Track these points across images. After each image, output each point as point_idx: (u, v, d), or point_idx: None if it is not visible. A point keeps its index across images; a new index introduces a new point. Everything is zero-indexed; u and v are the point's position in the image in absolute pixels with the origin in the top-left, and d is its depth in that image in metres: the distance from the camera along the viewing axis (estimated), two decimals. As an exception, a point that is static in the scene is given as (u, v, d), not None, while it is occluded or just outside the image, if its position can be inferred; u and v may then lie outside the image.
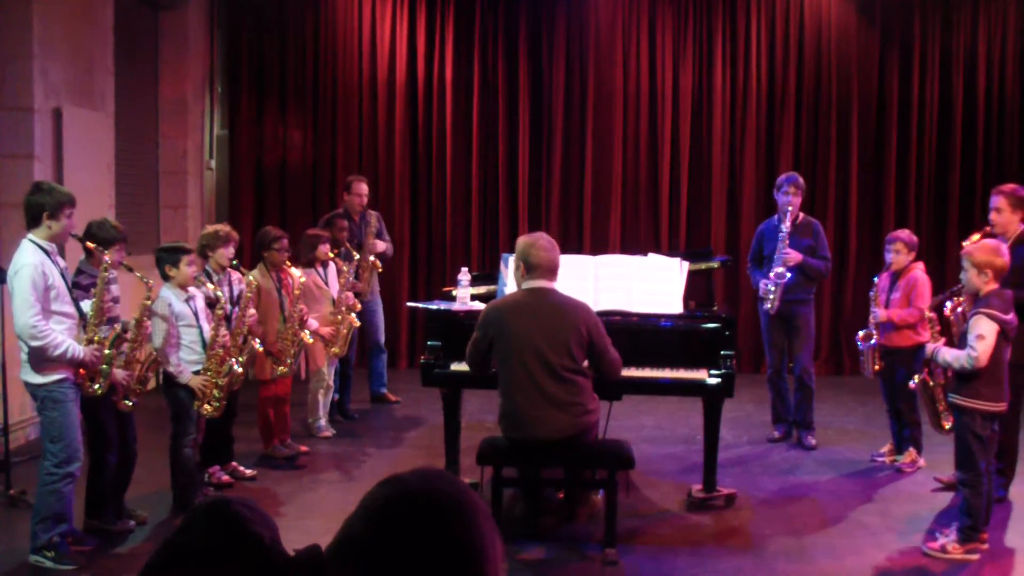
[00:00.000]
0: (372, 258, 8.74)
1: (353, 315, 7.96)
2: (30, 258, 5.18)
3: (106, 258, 5.53)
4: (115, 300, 5.75)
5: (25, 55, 7.76)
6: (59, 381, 5.25)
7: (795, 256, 7.62)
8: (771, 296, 7.71)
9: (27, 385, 5.32)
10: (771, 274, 7.67)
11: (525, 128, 11.23)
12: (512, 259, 5.58)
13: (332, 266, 8.01)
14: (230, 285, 6.76)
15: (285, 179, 11.35)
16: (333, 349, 7.86)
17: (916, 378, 5.92)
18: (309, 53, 11.27)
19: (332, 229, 8.33)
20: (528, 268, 5.41)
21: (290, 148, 11.33)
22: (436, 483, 1.63)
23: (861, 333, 7.15)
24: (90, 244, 5.60)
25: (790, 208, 7.72)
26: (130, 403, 5.70)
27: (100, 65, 8.84)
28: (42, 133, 7.89)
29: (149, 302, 5.71)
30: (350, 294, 8.01)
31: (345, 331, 7.89)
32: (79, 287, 5.54)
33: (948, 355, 5.56)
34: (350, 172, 10.40)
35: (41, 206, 5.28)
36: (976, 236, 6.36)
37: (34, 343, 5.13)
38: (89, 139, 8.55)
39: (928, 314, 6.17)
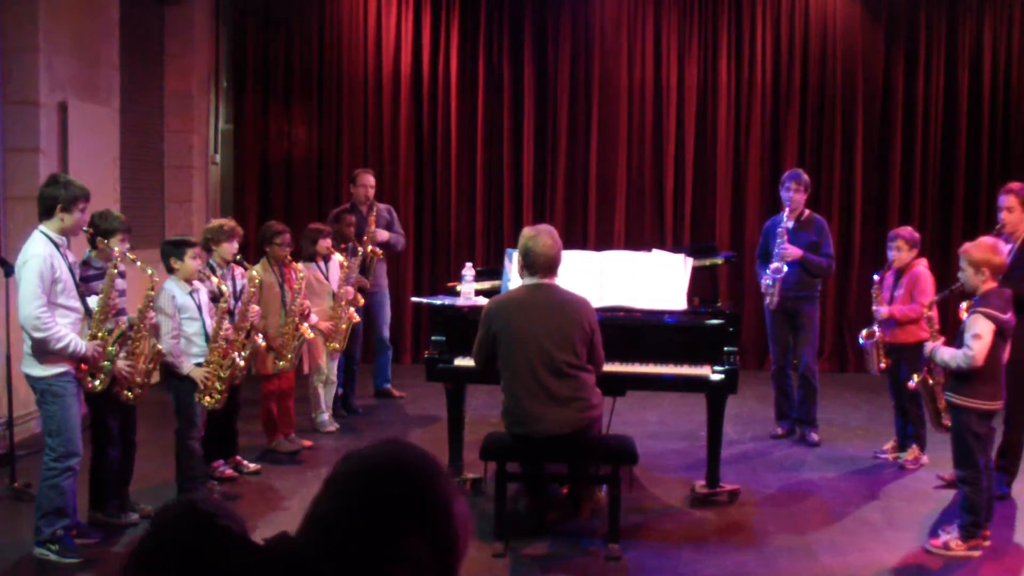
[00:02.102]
0: (371, 247, 8.68)
1: (353, 310, 7.96)
2: (40, 249, 5.20)
3: (115, 253, 5.55)
4: (121, 293, 5.77)
5: (31, 49, 7.77)
6: (59, 375, 5.26)
7: (793, 251, 7.64)
8: (770, 291, 7.74)
9: (28, 378, 5.33)
10: (769, 268, 7.70)
11: (530, 123, 11.23)
12: (518, 248, 5.56)
13: (334, 261, 8.01)
14: (233, 280, 6.77)
15: (290, 174, 11.35)
16: (332, 344, 7.86)
17: (915, 377, 5.91)
18: (314, 48, 11.27)
19: (340, 224, 8.34)
20: (528, 266, 5.42)
21: (295, 143, 11.34)
22: (394, 451, 1.65)
23: (864, 331, 7.16)
24: (101, 241, 5.62)
25: (791, 204, 7.75)
26: (132, 395, 5.70)
27: (106, 59, 8.84)
28: (48, 127, 7.90)
29: (152, 292, 5.72)
30: (350, 288, 8.01)
31: (344, 326, 7.88)
32: (83, 279, 5.55)
33: (945, 354, 5.56)
34: (355, 167, 10.39)
35: (55, 199, 5.30)
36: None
37: (37, 335, 5.14)
38: (94, 133, 8.56)
39: (927, 312, 6.15)
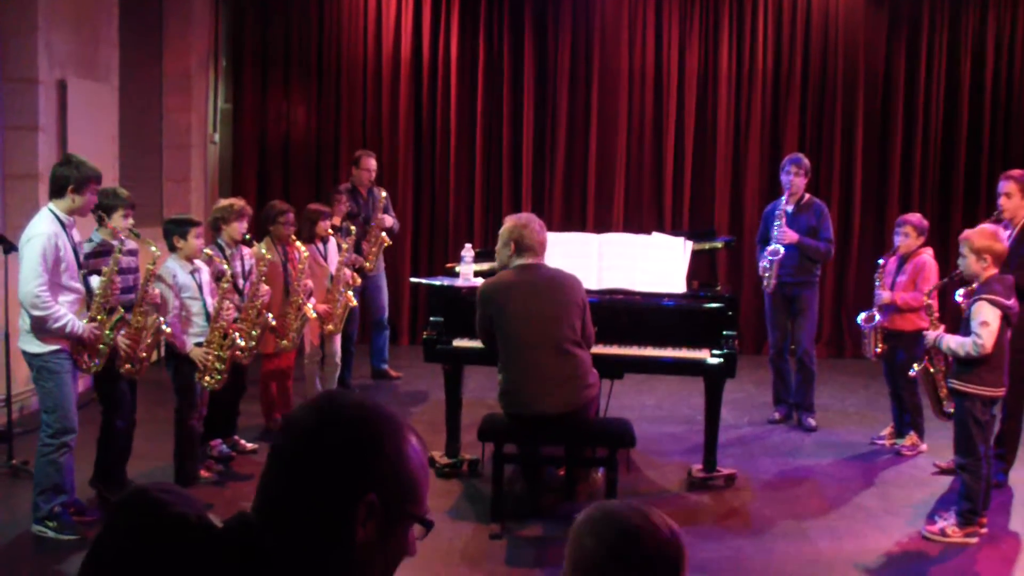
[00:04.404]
0: (383, 233, 8.73)
1: (350, 293, 7.93)
2: (46, 228, 5.20)
3: (121, 235, 5.56)
4: (132, 270, 5.81)
5: (30, 27, 7.73)
6: (55, 352, 5.27)
7: (790, 235, 7.64)
8: (767, 274, 7.74)
9: (24, 354, 5.34)
10: (766, 251, 7.70)
11: (530, 107, 11.20)
12: (502, 236, 5.61)
13: (332, 242, 8.00)
14: (241, 259, 6.75)
15: (288, 154, 11.33)
16: (328, 326, 7.84)
17: (916, 366, 5.91)
18: (314, 28, 11.23)
19: (331, 204, 8.33)
20: (520, 248, 5.49)
21: (294, 123, 11.31)
22: (331, 411, 1.62)
23: (863, 315, 7.15)
24: (109, 224, 5.62)
25: (791, 188, 7.75)
26: (133, 368, 5.70)
27: (105, 38, 8.81)
28: (47, 105, 7.87)
29: (153, 267, 5.70)
30: (348, 271, 7.99)
31: (341, 310, 7.86)
32: (89, 257, 5.56)
33: (952, 342, 5.54)
34: (354, 148, 10.39)
35: (67, 179, 5.30)
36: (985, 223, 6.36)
37: (36, 312, 5.15)
38: (93, 112, 8.53)
39: (927, 300, 6.15)
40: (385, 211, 9.03)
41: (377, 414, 1.63)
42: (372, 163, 9.00)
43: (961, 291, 5.89)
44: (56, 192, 5.33)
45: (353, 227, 8.39)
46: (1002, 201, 6.43)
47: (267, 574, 1.54)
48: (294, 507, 1.56)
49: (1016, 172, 6.50)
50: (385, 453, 1.60)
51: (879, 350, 7.15)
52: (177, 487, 1.66)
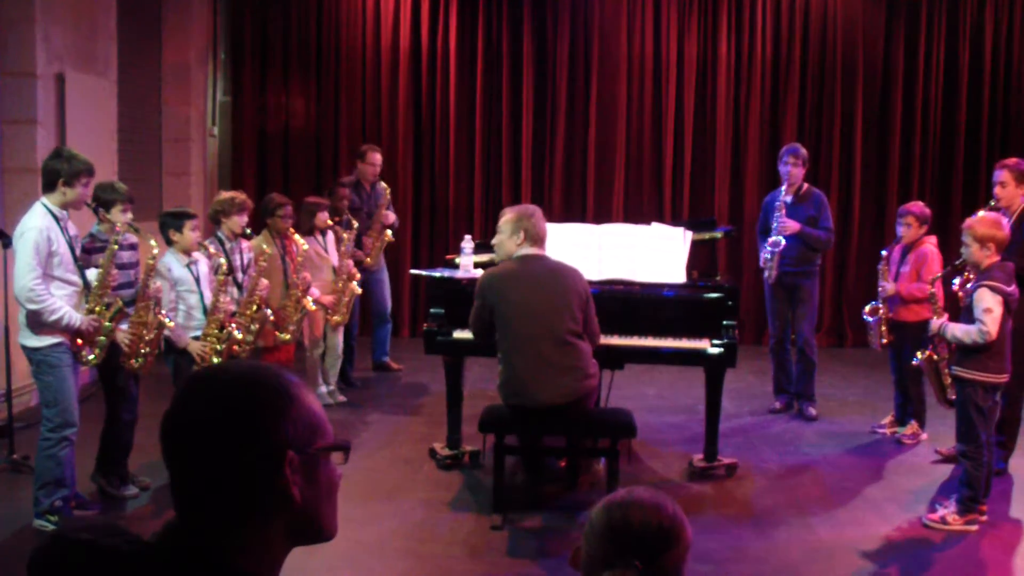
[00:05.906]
0: (388, 231, 8.73)
1: (354, 283, 7.95)
2: (37, 222, 5.19)
3: (117, 228, 5.55)
4: (132, 265, 5.81)
5: (27, 19, 7.71)
6: (54, 345, 5.27)
7: (792, 225, 7.63)
8: (769, 264, 7.73)
9: (23, 348, 5.34)
10: (767, 242, 7.69)
11: (529, 96, 11.18)
12: (505, 227, 5.60)
13: (331, 234, 8.00)
14: (241, 253, 6.74)
15: (288, 146, 11.31)
16: (335, 318, 7.85)
17: (919, 354, 5.90)
18: (312, 19, 11.20)
19: (332, 197, 8.33)
20: (530, 238, 5.49)
21: (293, 115, 11.30)
22: (213, 389, 1.56)
23: (868, 308, 7.12)
24: (103, 214, 5.62)
25: (789, 178, 7.73)
26: (137, 363, 5.69)
27: (103, 30, 8.79)
28: (45, 99, 7.86)
29: (152, 261, 5.69)
30: (350, 262, 8.00)
31: (346, 299, 7.88)
32: (88, 251, 5.56)
33: (957, 330, 5.54)
34: (353, 140, 10.39)
35: (57, 172, 5.29)
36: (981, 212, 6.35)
37: (31, 306, 5.15)
38: (92, 105, 8.51)
39: (931, 289, 6.15)
40: (388, 207, 9.04)
41: (251, 378, 1.58)
42: (377, 158, 9.01)
43: (957, 280, 5.89)
44: (48, 186, 5.33)
45: (355, 221, 8.38)
46: (997, 190, 6.45)
47: (224, 572, 1.50)
48: (222, 498, 1.51)
49: (1010, 161, 6.51)
50: (281, 407, 1.56)
51: (885, 341, 7.11)
52: (95, 522, 1.59)
